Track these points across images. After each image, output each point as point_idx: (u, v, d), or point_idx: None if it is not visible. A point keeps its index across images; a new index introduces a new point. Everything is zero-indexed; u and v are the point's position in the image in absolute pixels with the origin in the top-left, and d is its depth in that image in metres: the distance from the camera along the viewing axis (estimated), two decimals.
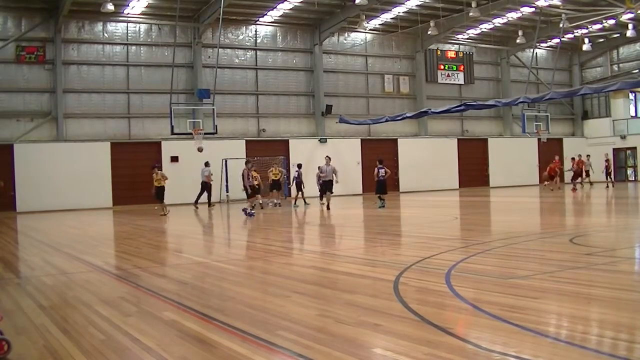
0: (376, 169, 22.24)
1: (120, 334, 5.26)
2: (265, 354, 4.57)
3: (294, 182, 25.82)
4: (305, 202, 25.00)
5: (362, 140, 34.96)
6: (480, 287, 6.79)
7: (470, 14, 30.24)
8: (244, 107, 32.79)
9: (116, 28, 30.01)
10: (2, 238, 15.55)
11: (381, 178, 21.92)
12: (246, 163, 21.43)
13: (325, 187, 22.63)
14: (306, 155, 31.15)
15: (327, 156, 23.51)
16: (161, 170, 23.44)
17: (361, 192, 33.64)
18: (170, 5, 27.93)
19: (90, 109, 29.46)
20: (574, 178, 31.52)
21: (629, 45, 40.16)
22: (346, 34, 35.15)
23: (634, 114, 41.12)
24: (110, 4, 25.89)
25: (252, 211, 19.84)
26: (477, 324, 5.25)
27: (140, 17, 30.15)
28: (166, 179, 22.39)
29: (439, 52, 37.79)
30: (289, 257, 10.61)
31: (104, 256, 11.28)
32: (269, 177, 25.31)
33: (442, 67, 37.85)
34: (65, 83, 28.72)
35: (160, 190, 22.16)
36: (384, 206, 21.35)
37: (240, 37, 32.70)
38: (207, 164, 25.64)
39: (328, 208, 21.83)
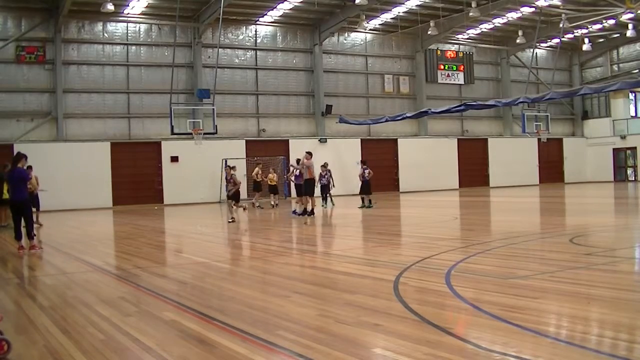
0: (361, 170, 22.49)
1: (120, 334, 5.26)
2: (265, 354, 4.58)
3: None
4: (328, 202, 23.41)
5: (362, 140, 34.95)
6: (480, 287, 6.79)
7: (470, 14, 30.24)
8: (244, 107, 32.78)
9: (116, 28, 30.01)
10: (2, 238, 15.55)
11: (366, 178, 22.16)
12: (297, 162, 20.62)
13: (302, 188, 19.49)
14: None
15: (307, 151, 19.78)
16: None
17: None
18: (170, 5, 27.94)
19: (90, 109, 29.45)
20: None
21: (629, 45, 40.15)
22: (346, 34, 35.15)
23: (634, 114, 41.11)
24: (110, 4, 25.88)
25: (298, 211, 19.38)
26: (477, 324, 5.26)
27: (140, 17, 30.14)
28: (37, 187, 16.30)
29: (439, 52, 37.77)
30: (289, 257, 10.61)
31: (104, 256, 11.28)
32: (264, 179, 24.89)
33: (442, 67, 37.83)
34: (65, 83, 28.71)
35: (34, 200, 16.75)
36: (371, 206, 21.60)
37: (240, 37, 32.70)
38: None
39: (301, 214, 18.79)
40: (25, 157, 11.87)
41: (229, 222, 17.34)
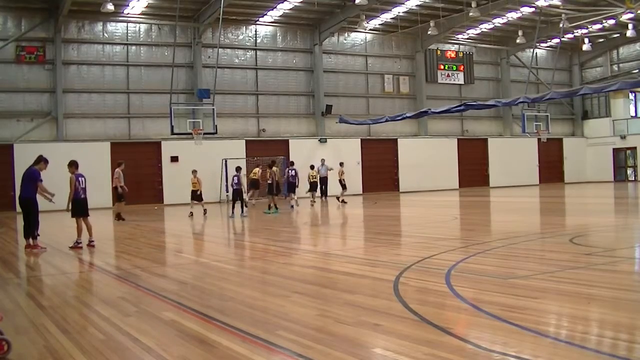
0: (287, 170, 23.22)
1: (120, 334, 5.26)
2: (265, 354, 4.58)
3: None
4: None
5: (362, 140, 34.95)
6: (480, 287, 6.79)
7: (470, 14, 30.24)
8: (244, 107, 32.78)
9: (116, 28, 30.01)
10: (2, 238, 15.56)
11: (291, 180, 22.70)
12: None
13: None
14: (306, 155, 31.15)
15: (118, 162, 21.78)
16: None
17: (361, 192, 33.65)
18: (170, 5, 27.93)
19: (90, 109, 29.45)
20: None
21: (629, 45, 40.14)
22: (346, 34, 35.14)
23: (634, 114, 41.10)
24: (110, 4, 25.88)
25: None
26: (477, 324, 5.26)
27: (140, 17, 30.14)
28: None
29: (439, 52, 37.77)
30: (289, 257, 10.61)
31: (104, 256, 11.27)
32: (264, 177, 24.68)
33: (442, 67, 37.83)
34: (65, 83, 28.71)
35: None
36: (292, 206, 22.39)
37: (240, 37, 32.69)
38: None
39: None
40: (45, 161, 12.52)
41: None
